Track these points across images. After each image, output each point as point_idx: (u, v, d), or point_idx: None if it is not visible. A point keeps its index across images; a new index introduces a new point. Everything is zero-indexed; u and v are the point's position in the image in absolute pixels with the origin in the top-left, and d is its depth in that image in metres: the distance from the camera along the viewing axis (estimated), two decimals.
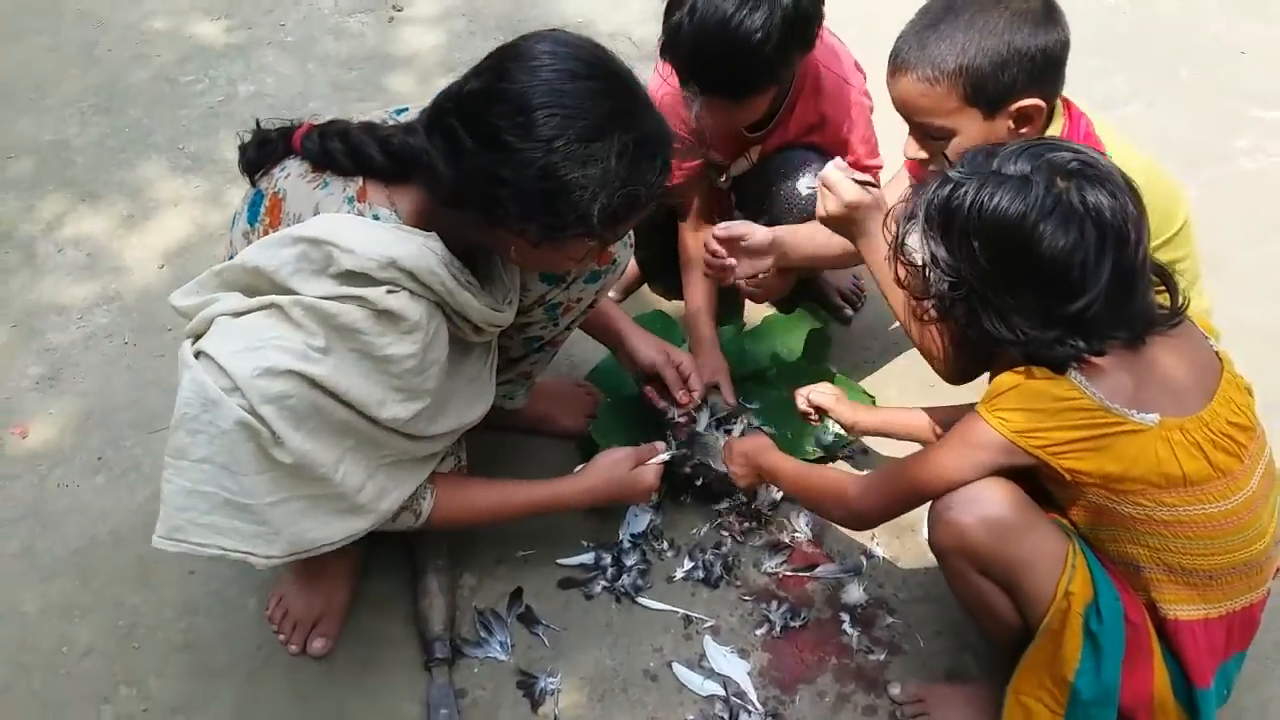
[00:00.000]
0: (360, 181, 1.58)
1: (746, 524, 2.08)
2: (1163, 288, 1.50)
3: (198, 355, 1.50)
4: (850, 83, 2.14)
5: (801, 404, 2.07)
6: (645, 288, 2.57)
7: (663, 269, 2.47)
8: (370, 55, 3.24)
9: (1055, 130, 1.75)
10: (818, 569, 2.02)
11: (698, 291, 2.26)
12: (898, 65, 1.73)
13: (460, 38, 3.30)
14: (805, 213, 2.07)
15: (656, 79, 2.11)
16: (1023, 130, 1.72)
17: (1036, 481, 1.55)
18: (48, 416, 2.29)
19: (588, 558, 2.03)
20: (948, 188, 1.45)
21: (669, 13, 1.89)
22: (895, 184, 2.05)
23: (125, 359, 2.40)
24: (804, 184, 2.12)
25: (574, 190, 1.46)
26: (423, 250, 1.53)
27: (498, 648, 1.91)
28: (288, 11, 3.42)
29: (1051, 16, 1.69)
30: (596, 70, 1.49)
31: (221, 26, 3.34)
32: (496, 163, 1.46)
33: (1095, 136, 1.77)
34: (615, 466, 1.94)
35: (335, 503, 1.60)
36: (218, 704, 1.86)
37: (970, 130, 1.72)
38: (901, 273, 1.55)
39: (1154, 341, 1.48)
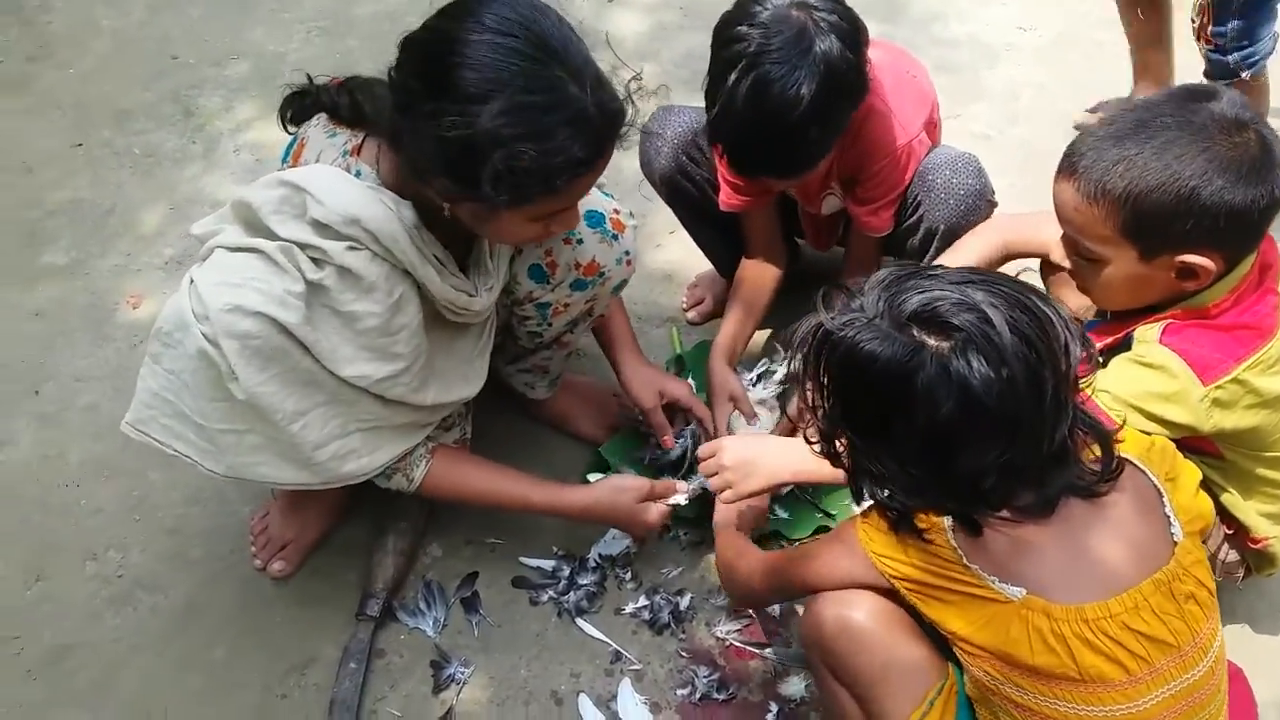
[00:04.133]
0: (361, 137, 1.63)
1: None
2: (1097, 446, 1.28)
3: (192, 280, 1.60)
4: (904, 128, 1.97)
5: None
6: None
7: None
8: (576, 29, 3.29)
9: (1225, 290, 1.52)
10: (769, 649, 1.89)
11: (729, 327, 2.16)
12: (1065, 167, 1.54)
13: (667, 29, 3.29)
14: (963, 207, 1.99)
15: None
16: (1186, 284, 1.51)
17: None
18: (161, 295, 2.51)
19: (548, 564, 2.00)
20: (820, 333, 1.25)
21: (708, 101, 1.81)
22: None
23: None
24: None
25: (469, 146, 1.41)
26: (389, 214, 1.55)
27: (430, 623, 1.93)
28: None
29: (1262, 171, 1.43)
30: (516, 29, 1.41)
31: None
32: (409, 113, 1.45)
33: (1269, 313, 1.53)
34: (620, 494, 1.89)
35: (288, 450, 1.65)
36: (178, 593, 1.99)
37: (1122, 265, 1.53)
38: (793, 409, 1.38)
39: (1077, 512, 1.27)
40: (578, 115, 1.42)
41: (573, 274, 1.85)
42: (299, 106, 1.76)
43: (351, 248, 1.54)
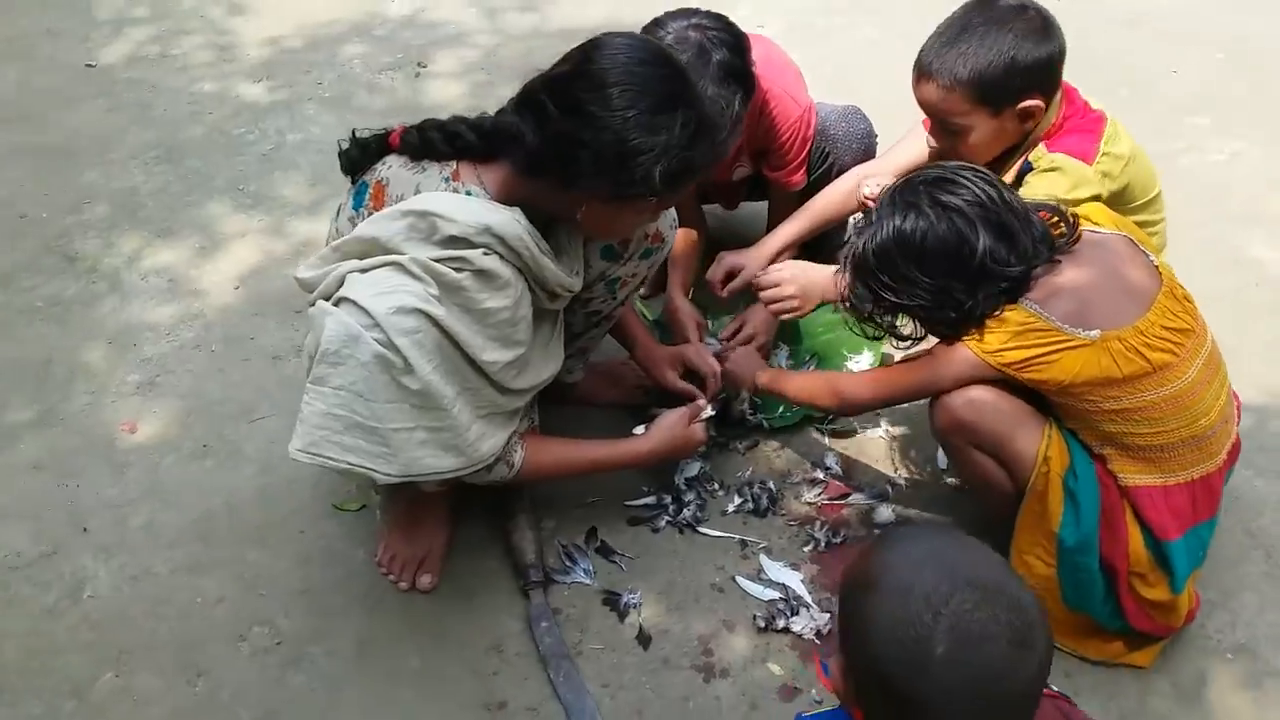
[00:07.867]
0: (454, 164, 1.91)
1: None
2: (1058, 220, 1.90)
3: (338, 303, 1.81)
4: (797, 101, 2.54)
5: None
6: None
7: None
8: (403, 106, 3.60)
9: (1054, 116, 2.16)
10: (850, 497, 2.34)
11: (676, 276, 2.67)
12: (921, 73, 2.16)
13: (482, 87, 3.67)
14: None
15: None
16: (1027, 124, 2.14)
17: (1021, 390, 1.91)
18: (152, 414, 2.56)
19: (651, 500, 2.34)
20: (852, 249, 1.89)
21: None
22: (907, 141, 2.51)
23: (216, 364, 2.68)
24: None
25: (641, 153, 1.79)
26: (510, 220, 1.85)
27: (583, 574, 2.20)
28: (323, 72, 3.79)
29: (1048, 32, 2.11)
30: (663, 60, 1.85)
31: (264, 87, 3.69)
32: (579, 128, 1.79)
33: (1095, 115, 2.20)
34: (674, 426, 2.23)
35: (448, 437, 1.87)
36: (343, 635, 2.12)
37: (981, 126, 2.15)
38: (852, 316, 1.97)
39: (1094, 269, 1.84)
40: (712, 127, 1.89)
41: (643, 245, 2.21)
42: (358, 157, 2.01)
43: (485, 253, 1.83)
